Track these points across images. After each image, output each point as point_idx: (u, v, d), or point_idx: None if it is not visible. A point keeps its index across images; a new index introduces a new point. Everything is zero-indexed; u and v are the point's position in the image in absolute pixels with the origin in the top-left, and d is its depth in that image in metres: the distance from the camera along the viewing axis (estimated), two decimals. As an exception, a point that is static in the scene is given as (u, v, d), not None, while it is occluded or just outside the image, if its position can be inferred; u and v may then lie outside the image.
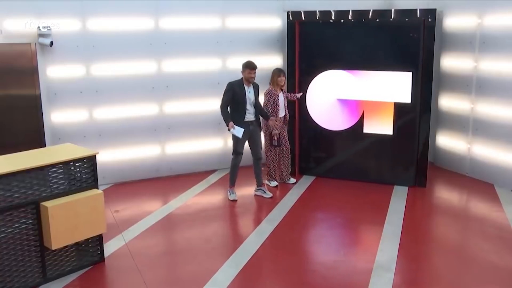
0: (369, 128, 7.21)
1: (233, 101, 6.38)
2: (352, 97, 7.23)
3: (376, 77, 7.08)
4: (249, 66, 6.39)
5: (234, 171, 6.66)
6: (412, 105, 6.99)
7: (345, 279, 4.68)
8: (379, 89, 7.09)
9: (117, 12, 6.99)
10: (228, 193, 6.73)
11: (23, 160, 4.58)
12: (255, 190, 6.87)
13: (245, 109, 6.43)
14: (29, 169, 4.38)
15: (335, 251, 5.31)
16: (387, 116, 7.12)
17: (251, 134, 6.54)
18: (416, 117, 7.00)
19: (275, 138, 6.91)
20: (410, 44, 6.90)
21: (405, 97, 7.00)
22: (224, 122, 6.38)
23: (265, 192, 6.79)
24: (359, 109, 7.22)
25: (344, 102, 7.29)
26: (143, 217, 6.12)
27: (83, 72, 6.94)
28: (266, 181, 7.13)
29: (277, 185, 7.13)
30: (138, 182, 7.45)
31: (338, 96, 7.30)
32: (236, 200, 6.63)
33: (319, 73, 7.33)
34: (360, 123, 7.24)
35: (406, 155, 7.16)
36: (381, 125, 7.15)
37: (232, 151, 6.62)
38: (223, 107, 6.37)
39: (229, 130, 6.31)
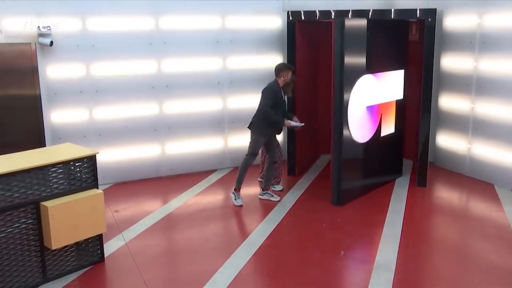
0: (384, 130, 6.98)
1: (274, 105, 6.27)
2: (376, 101, 6.74)
3: (390, 77, 6.90)
4: (290, 67, 6.41)
5: (245, 172, 6.47)
6: (404, 101, 7.07)
7: (345, 279, 4.69)
8: (392, 89, 6.97)
9: (117, 12, 6.99)
10: (233, 198, 6.52)
11: (23, 160, 4.58)
12: (260, 194, 6.72)
13: (285, 112, 6.48)
14: (29, 169, 4.38)
15: (335, 251, 5.31)
16: (393, 115, 7.12)
17: (270, 137, 6.44)
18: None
19: None
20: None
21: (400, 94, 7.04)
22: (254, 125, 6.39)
23: (272, 196, 6.65)
24: (379, 113, 6.86)
25: (371, 109, 6.69)
26: (143, 217, 6.12)
27: (83, 72, 6.94)
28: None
29: (282, 188, 7.04)
30: (138, 182, 7.45)
31: (367, 103, 6.58)
32: (242, 206, 6.48)
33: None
34: (379, 128, 6.90)
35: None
36: (390, 125, 7.09)
37: (249, 151, 6.42)
38: (270, 110, 6.22)
39: (289, 127, 6.62)
